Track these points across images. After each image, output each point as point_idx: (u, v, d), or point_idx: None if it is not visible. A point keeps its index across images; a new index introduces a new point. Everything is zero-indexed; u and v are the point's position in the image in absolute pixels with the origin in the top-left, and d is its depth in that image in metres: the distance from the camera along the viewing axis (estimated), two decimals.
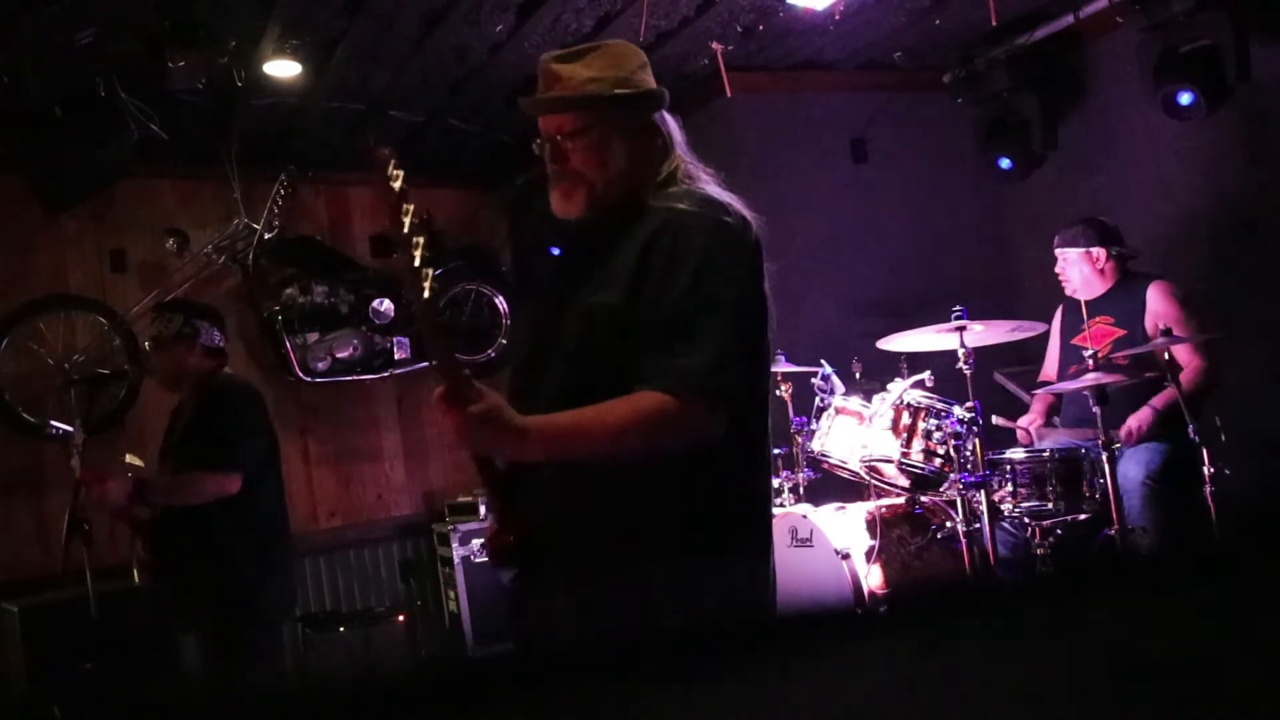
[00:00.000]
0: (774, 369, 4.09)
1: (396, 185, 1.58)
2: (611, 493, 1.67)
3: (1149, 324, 3.78)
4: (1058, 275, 4.02)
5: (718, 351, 1.59)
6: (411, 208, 1.59)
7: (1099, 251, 3.90)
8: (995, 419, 3.95)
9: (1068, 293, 4.00)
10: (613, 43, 1.85)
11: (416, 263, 1.56)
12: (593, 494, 1.69)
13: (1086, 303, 3.88)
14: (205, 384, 3.38)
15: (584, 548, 1.70)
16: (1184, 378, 3.56)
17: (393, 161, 1.58)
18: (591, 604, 1.66)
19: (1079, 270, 3.92)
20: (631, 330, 1.65)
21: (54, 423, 3.56)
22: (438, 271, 1.60)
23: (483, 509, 5.16)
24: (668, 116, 1.83)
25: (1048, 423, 4.08)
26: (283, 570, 3.42)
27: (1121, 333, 3.83)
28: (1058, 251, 3.98)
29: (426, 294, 1.55)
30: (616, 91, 1.76)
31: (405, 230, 1.57)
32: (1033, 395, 4.15)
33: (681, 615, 1.61)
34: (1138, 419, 3.64)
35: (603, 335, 1.68)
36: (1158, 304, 3.80)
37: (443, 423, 1.60)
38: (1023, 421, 4.00)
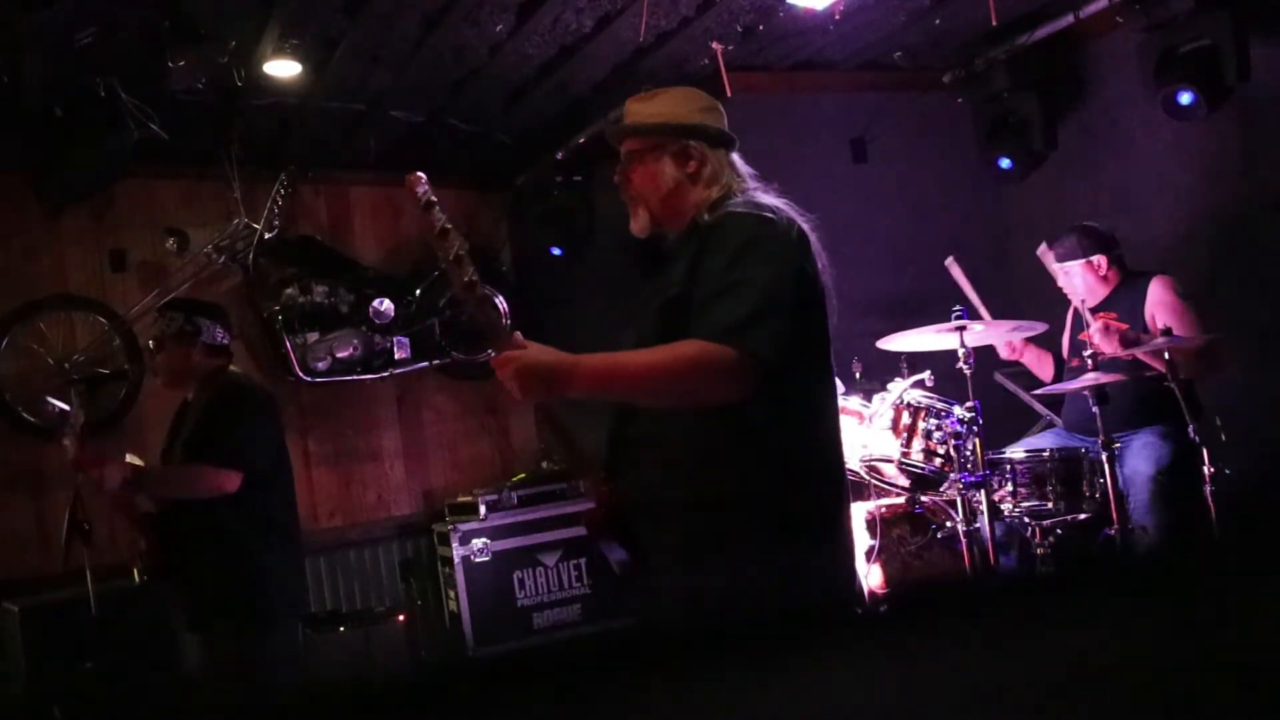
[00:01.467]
0: None
1: (422, 199, 1.88)
2: (688, 470, 1.90)
3: (1147, 315, 3.78)
4: (1060, 289, 4.00)
5: (749, 311, 1.80)
6: (445, 216, 1.90)
7: (1099, 259, 3.89)
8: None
9: (1074, 303, 3.97)
10: (684, 88, 2.18)
11: (453, 256, 1.87)
12: (672, 472, 1.91)
13: (1090, 307, 3.88)
14: (213, 382, 3.37)
15: (666, 525, 1.91)
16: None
17: (421, 185, 1.88)
18: (685, 586, 1.88)
19: (1083, 280, 3.90)
20: (692, 313, 1.88)
21: (51, 399, 3.54)
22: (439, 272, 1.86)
23: (483, 510, 5.16)
24: (726, 152, 2.10)
25: (1046, 428, 4.10)
26: (293, 570, 3.41)
27: (1124, 327, 3.84)
28: (1058, 266, 3.93)
29: (468, 278, 1.89)
30: (667, 123, 2.08)
31: (437, 231, 1.88)
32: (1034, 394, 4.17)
33: (767, 599, 1.76)
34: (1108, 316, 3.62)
35: (671, 325, 1.90)
36: (1157, 296, 3.80)
37: (503, 381, 1.83)
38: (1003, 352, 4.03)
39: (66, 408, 3.37)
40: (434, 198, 1.89)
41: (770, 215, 1.93)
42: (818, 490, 1.94)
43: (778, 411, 1.87)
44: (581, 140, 5.18)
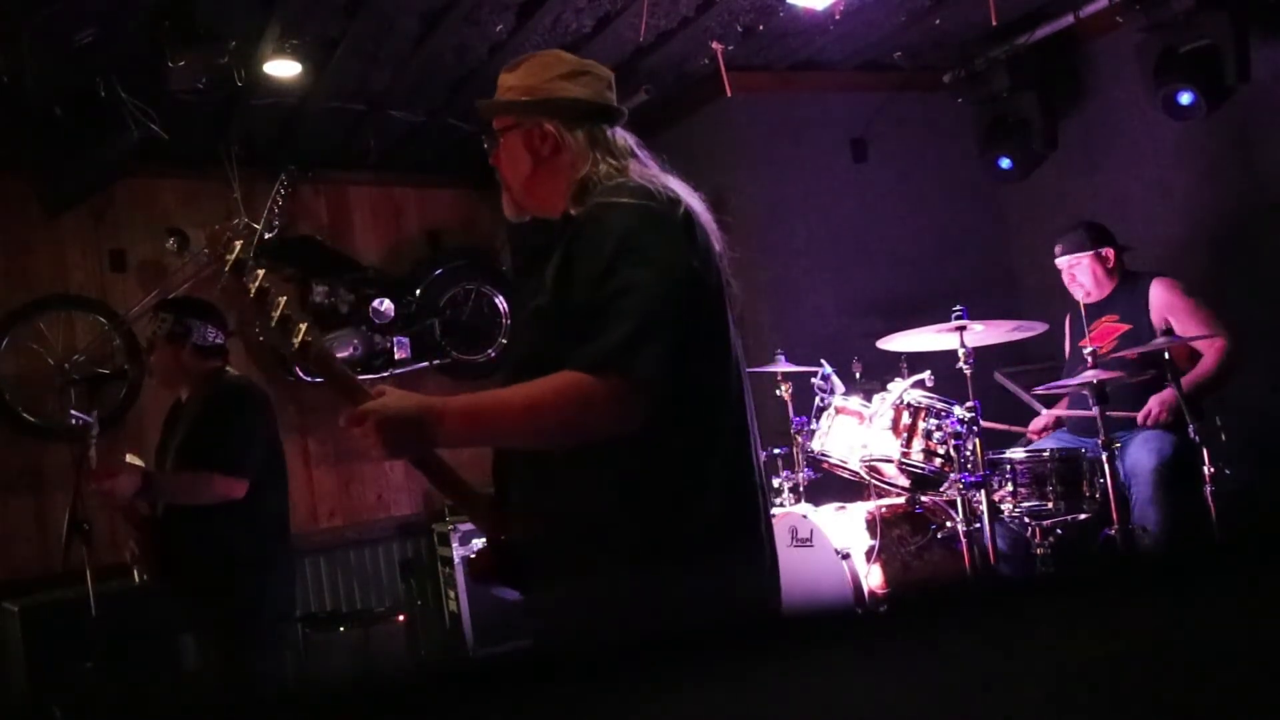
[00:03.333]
0: (774, 369, 4.09)
1: (232, 257, 1.70)
2: (571, 499, 1.69)
3: (1155, 320, 3.78)
4: (1066, 284, 4.00)
5: (629, 331, 1.56)
6: (267, 289, 1.69)
7: (1108, 251, 3.91)
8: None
9: (1079, 299, 3.97)
10: (546, 52, 1.90)
11: (275, 323, 1.66)
12: (557, 504, 1.71)
13: (1089, 306, 3.89)
14: (209, 383, 3.37)
15: (556, 560, 1.71)
16: (1207, 361, 3.59)
17: (228, 236, 1.72)
18: (576, 616, 1.68)
19: (1091, 273, 3.91)
20: (564, 326, 1.65)
21: (75, 412, 3.56)
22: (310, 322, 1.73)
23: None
24: (597, 128, 1.82)
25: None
26: (285, 571, 3.41)
27: (1127, 327, 3.84)
28: (1067, 259, 3.94)
29: (297, 343, 1.65)
30: (520, 99, 1.83)
31: (253, 294, 1.68)
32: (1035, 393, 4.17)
33: (646, 622, 1.59)
34: (1160, 399, 3.63)
35: (543, 338, 1.70)
36: (1164, 299, 3.80)
37: (362, 441, 1.60)
38: (1034, 425, 4.04)
39: (89, 419, 3.38)
40: (241, 254, 1.70)
41: (647, 203, 1.67)
42: (721, 493, 1.68)
43: (672, 425, 1.63)
44: None
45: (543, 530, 1.73)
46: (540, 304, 1.70)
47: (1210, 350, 3.66)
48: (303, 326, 1.64)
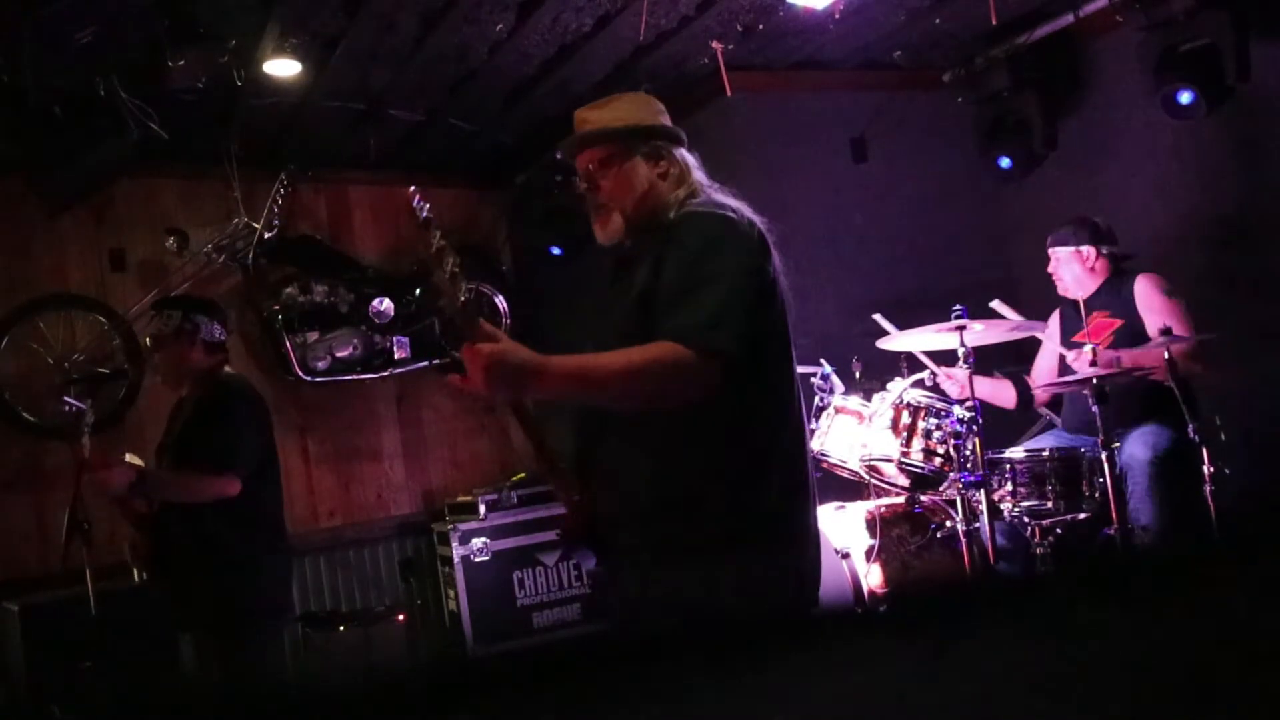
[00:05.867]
0: None
1: (420, 216, 1.91)
2: (656, 471, 1.90)
3: (1140, 316, 3.80)
4: (1050, 275, 4.04)
5: (713, 311, 1.83)
6: (439, 233, 1.91)
7: (1089, 250, 3.92)
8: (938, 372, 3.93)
9: (1060, 292, 4.04)
10: (634, 93, 2.22)
11: (449, 276, 1.87)
12: (641, 475, 1.91)
13: (1083, 302, 3.89)
14: (205, 381, 3.37)
15: (639, 528, 1.91)
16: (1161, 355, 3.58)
17: (419, 200, 1.92)
18: (655, 589, 1.88)
19: (1069, 269, 3.97)
20: (656, 313, 1.89)
21: (68, 399, 3.55)
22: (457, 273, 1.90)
23: (482, 510, 5.17)
24: (685, 152, 2.12)
25: (1045, 428, 4.10)
26: (280, 570, 3.42)
27: (1119, 323, 3.85)
28: (1050, 251, 4.02)
29: (462, 297, 1.87)
30: (635, 125, 2.09)
31: (434, 249, 1.90)
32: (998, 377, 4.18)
33: (730, 600, 1.81)
34: (1105, 352, 3.63)
35: (636, 327, 1.90)
36: (1145, 296, 3.82)
37: (471, 375, 1.79)
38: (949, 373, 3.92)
39: (83, 406, 3.37)
40: (430, 214, 1.91)
41: (731, 215, 1.95)
42: (784, 485, 1.94)
43: (743, 409, 1.90)
44: None
45: (624, 504, 1.92)
46: (638, 293, 1.93)
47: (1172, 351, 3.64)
48: (464, 285, 1.88)
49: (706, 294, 1.84)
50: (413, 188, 1.93)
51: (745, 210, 2.01)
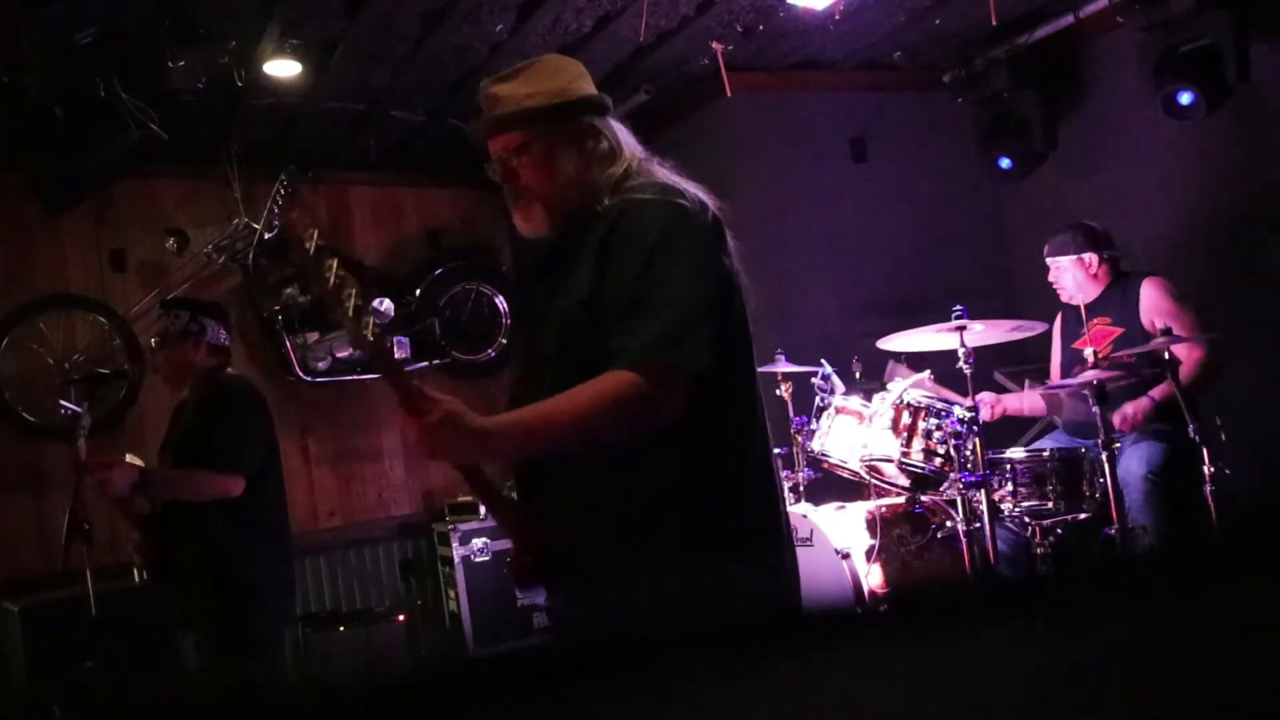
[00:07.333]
0: (774, 369, 4.09)
1: (311, 246, 1.72)
2: (611, 498, 1.68)
3: (1145, 320, 3.78)
4: (1051, 284, 4.01)
5: (672, 322, 1.58)
6: (334, 262, 1.69)
7: (1090, 257, 3.89)
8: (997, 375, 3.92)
9: (1063, 299, 4.00)
10: (548, 57, 1.89)
11: (350, 313, 1.64)
12: (595, 502, 1.69)
13: (1085, 306, 3.88)
14: (207, 382, 3.37)
15: (596, 559, 1.69)
16: (1183, 371, 3.55)
17: (306, 228, 1.68)
18: (609, 612, 1.67)
19: (1072, 277, 3.92)
20: (601, 321, 1.65)
21: (64, 402, 3.55)
22: (372, 308, 1.74)
23: (482, 510, 5.17)
24: (613, 121, 1.84)
25: (1046, 429, 4.10)
26: (283, 570, 3.41)
27: (1119, 330, 3.83)
28: (1049, 260, 3.96)
29: (369, 336, 1.64)
30: (554, 103, 1.78)
31: (330, 285, 1.66)
32: (1030, 387, 4.16)
33: (697, 615, 1.59)
34: (1135, 406, 3.63)
35: (578, 334, 1.68)
36: (1152, 300, 3.80)
37: (406, 437, 1.60)
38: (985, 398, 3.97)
39: (79, 409, 3.37)
40: (321, 241, 1.75)
41: (682, 201, 1.69)
42: (753, 496, 1.74)
43: (704, 420, 1.64)
44: None
45: (578, 532, 1.70)
46: (577, 299, 1.68)
47: (1187, 360, 3.64)
48: (370, 320, 1.65)
49: (662, 304, 1.59)
50: (294, 213, 1.78)
51: (692, 188, 1.74)
